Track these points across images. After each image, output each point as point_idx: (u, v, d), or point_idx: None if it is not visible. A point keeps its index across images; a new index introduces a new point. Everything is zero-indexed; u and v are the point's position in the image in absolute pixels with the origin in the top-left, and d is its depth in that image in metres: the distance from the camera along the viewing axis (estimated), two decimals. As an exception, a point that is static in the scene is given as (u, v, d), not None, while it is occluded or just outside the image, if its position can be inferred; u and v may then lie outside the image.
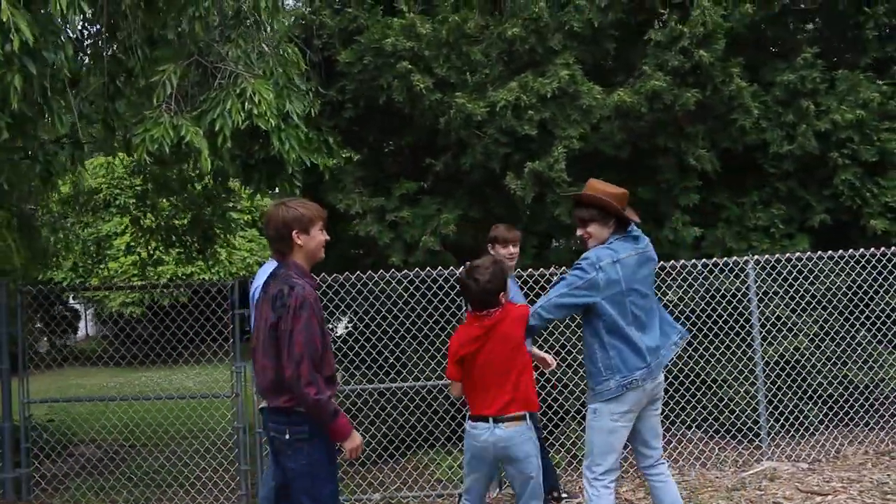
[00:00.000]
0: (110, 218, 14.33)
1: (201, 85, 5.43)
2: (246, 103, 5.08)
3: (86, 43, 4.99)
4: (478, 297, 3.87)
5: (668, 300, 6.85)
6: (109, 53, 5.08)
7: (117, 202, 11.81)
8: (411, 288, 6.48)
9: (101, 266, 13.78)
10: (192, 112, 5.13)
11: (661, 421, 6.77)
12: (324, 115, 6.88)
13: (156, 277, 14.55)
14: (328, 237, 3.60)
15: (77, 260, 11.25)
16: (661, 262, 6.38)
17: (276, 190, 6.00)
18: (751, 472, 6.26)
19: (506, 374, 3.86)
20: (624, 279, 3.91)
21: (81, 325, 19.04)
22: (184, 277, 15.01)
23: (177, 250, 9.06)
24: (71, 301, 17.28)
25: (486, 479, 4.09)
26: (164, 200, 8.49)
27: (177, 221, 8.25)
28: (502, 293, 3.90)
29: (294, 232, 3.45)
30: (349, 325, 7.77)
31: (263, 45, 5.75)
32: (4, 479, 6.20)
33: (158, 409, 8.28)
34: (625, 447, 4.10)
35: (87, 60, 5.13)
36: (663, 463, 4.18)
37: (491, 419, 3.85)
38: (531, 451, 3.89)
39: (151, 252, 8.59)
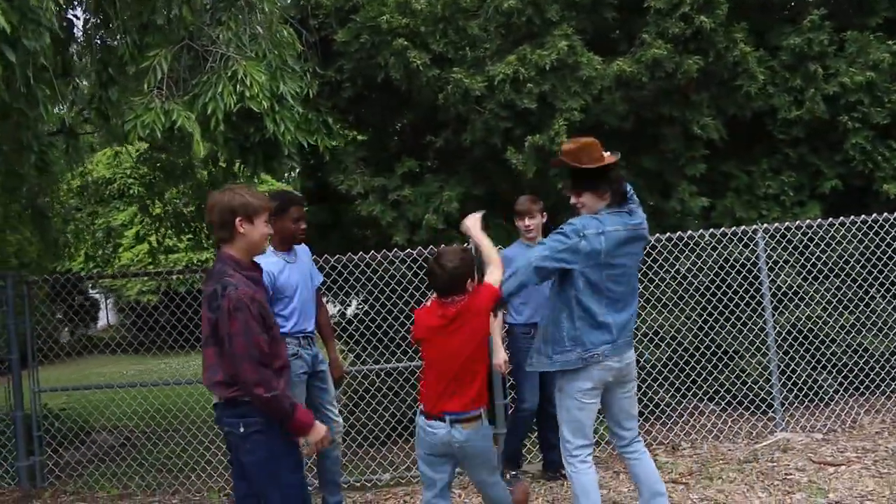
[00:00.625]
0: (125, 208, 14.42)
1: (194, 69, 5.37)
2: (237, 86, 5.02)
3: (76, 31, 4.95)
4: (444, 283, 3.70)
5: (676, 272, 6.76)
6: (100, 41, 5.03)
7: (130, 192, 11.88)
8: (415, 267, 6.43)
9: (114, 256, 13.89)
10: (184, 97, 5.09)
11: (674, 394, 6.78)
12: (322, 95, 6.83)
13: (171, 265, 14.63)
14: (271, 231, 3.44)
15: (89, 250, 11.34)
16: (669, 234, 6.31)
17: (274, 172, 5.95)
18: (764, 443, 6.17)
19: (468, 369, 3.68)
20: (605, 252, 3.74)
21: (102, 314, 19.23)
22: (199, 264, 15.08)
23: (187, 237, 9.09)
24: (91, 291, 17.44)
25: (446, 475, 3.84)
26: (173, 188, 8.50)
27: (185, 209, 8.25)
28: (469, 280, 3.74)
29: (238, 219, 3.25)
30: (358, 308, 7.76)
31: (257, 28, 5.69)
32: (19, 468, 6.27)
33: (178, 394, 8.32)
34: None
35: (76, 48, 5.08)
36: (639, 441, 4.06)
37: (448, 419, 3.66)
38: (488, 447, 3.80)
39: (161, 240, 8.61)
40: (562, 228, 3.79)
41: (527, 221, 5.19)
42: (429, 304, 3.89)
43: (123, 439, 7.92)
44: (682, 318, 6.79)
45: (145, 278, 13.78)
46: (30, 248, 9.54)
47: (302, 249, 4.82)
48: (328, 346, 5.05)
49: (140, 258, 14.50)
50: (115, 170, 15.06)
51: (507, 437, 5.58)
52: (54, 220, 8.90)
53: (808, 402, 6.75)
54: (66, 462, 6.77)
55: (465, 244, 4.12)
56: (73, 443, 7.20)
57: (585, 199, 3.96)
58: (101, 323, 19.29)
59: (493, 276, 3.79)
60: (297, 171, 8.82)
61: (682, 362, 6.66)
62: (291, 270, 4.65)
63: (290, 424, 3.21)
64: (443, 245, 6.29)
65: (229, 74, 5.08)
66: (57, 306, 15.39)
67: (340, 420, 4.82)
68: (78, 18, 5.26)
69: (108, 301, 18.61)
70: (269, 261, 4.49)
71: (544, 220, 5.29)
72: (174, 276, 11.70)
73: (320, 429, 3.31)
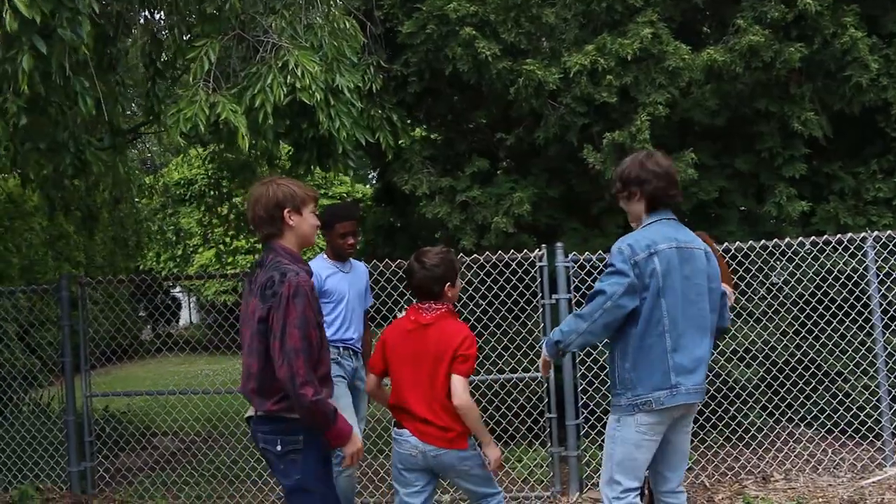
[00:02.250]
0: (192, 210, 14.44)
1: (245, 61, 5.09)
2: (288, 77, 4.71)
3: (118, 21, 4.71)
4: (421, 282, 3.48)
5: (771, 283, 6.10)
6: (147, 33, 4.78)
7: (204, 194, 11.83)
8: (481, 273, 5.97)
9: (192, 255, 13.96)
10: (233, 89, 4.79)
11: (766, 419, 6.11)
12: (387, 90, 6.45)
13: (248, 265, 14.60)
14: (319, 223, 3.30)
15: (160, 251, 11.37)
16: (763, 241, 5.68)
17: (329, 171, 5.61)
18: (871, 479, 5.46)
19: (430, 383, 3.40)
20: (662, 275, 3.24)
21: (184, 313, 19.49)
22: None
23: (254, 239, 8.90)
24: (173, 290, 17.67)
25: (423, 494, 3.53)
26: (239, 187, 8.30)
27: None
28: (448, 285, 3.50)
29: (286, 211, 3.11)
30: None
31: (315, 17, 5.37)
32: (71, 473, 6.12)
33: (240, 399, 8.10)
34: None
35: (123, 42, 4.84)
36: (682, 491, 3.52)
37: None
38: (467, 456, 3.48)
39: (225, 241, 8.44)
40: (611, 262, 3.30)
41: None
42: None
43: (188, 443, 7.73)
44: (778, 334, 6.11)
45: (223, 279, 13.76)
46: (101, 248, 9.56)
47: (361, 267, 4.73)
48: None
49: (213, 262, 14.56)
50: (196, 171, 15.12)
51: None
52: (128, 221, 8.86)
53: (924, 433, 5.97)
54: (119, 468, 6.59)
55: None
56: (134, 448, 7.03)
57: (624, 206, 3.54)
58: (183, 321, 19.56)
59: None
60: (377, 170, 8.53)
61: (776, 383, 5.99)
62: (342, 278, 4.50)
63: (330, 432, 3.07)
64: (512, 251, 5.84)
65: (280, 65, 4.77)
66: (141, 305, 15.66)
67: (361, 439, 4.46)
68: (126, 10, 4.95)
69: (190, 300, 18.84)
70: (319, 264, 4.39)
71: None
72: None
73: (358, 441, 3.21)
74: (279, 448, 3.07)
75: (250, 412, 3.21)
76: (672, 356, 3.24)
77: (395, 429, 3.54)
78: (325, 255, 4.56)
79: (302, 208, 3.16)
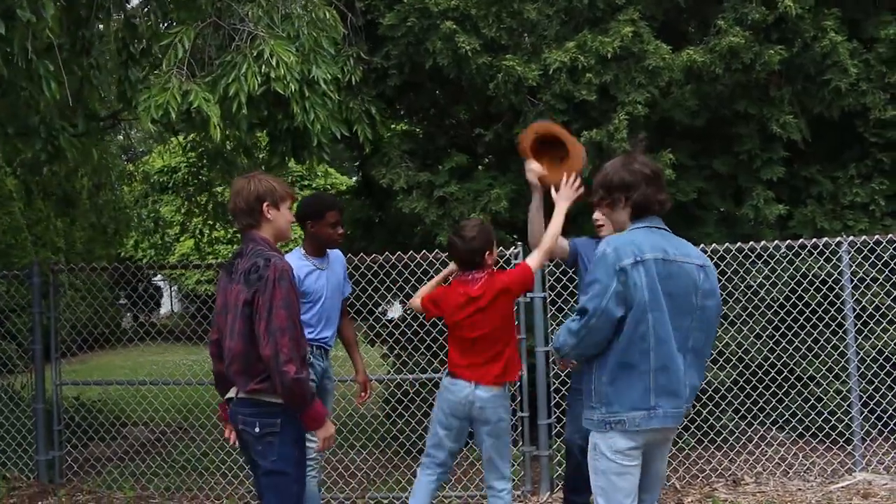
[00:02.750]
0: (173, 199, 14.31)
1: (222, 50, 5.02)
2: (263, 66, 4.64)
3: (92, 4, 4.63)
4: (464, 254, 3.88)
5: (746, 286, 6.10)
6: (121, 17, 4.71)
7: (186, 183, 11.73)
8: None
9: (162, 245, 13.84)
10: (207, 77, 4.72)
11: (738, 422, 6.11)
12: (367, 83, 6.39)
13: (228, 255, 14.52)
14: (294, 220, 3.50)
15: (138, 239, 11.28)
16: (740, 244, 5.67)
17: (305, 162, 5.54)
18: (840, 484, 5.47)
19: (493, 346, 3.87)
20: (648, 288, 2.92)
21: (165, 302, 19.38)
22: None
23: (233, 230, 8.82)
24: (155, 280, 17.56)
25: (455, 436, 4.00)
26: (216, 177, 8.23)
27: (224, 198, 7.98)
28: (488, 252, 3.89)
29: (265, 205, 3.29)
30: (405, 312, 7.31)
31: (295, 7, 5.30)
32: (38, 462, 6.05)
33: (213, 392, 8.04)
34: None
35: (98, 26, 4.77)
36: None
37: (473, 382, 3.87)
38: (504, 416, 3.95)
39: (202, 231, 8.36)
40: (593, 274, 3.01)
41: (596, 214, 4.30)
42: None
43: (158, 434, 7.67)
44: (752, 337, 6.12)
45: (203, 269, 13.67)
46: (79, 234, 9.47)
47: (336, 256, 4.54)
48: (354, 356, 4.75)
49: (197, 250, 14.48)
50: (179, 159, 15.00)
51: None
52: (106, 208, 8.76)
53: (895, 438, 5.99)
54: (87, 458, 6.52)
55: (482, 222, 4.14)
56: (103, 438, 6.96)
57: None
58: (164, 310, 19.44)
59: (533, 258, 3.97)
60: (357, 163, 8.46)
61: (748, 386, 5.99)
62: (320, 276, 4.36)
63: (306, 413, 3.19)
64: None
65: (255, 54, 4.70)
66: (123, 293, 15.54)
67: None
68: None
69: (171, 289, 18.73)
70: (298, 263, 4.23)
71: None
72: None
73: (331, 427, 3.31)
74: (257, 430, 3.19)
75: (231, 393, 3.34)
76: (655, 376, 2.94)
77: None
78: (303, 251, 4.35)
79: (280, 204, 3.34)
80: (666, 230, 3.11)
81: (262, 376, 3.16)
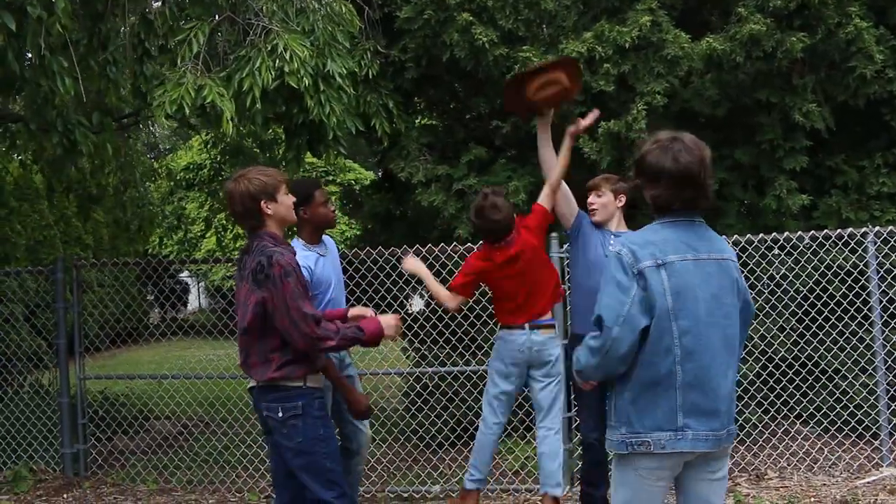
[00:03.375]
0: (196, 196, 14.40)
1: (237, 45, 5.04)
2: (277, 61, 4.65)
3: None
4: (493, 234, 4.21)
5: (769, 277, 6.00)
6: (137, 12, 4.73)
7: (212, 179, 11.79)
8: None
9: (187, 241, 13.93)
10: (221, 72, 4.74)
11: (762, 416, 6.02)
12: (385, 76, 6.38)
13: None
14: (294, 199, 3.49)
15: (162, 235, 11.39)
16: (762, 235, 5.58)
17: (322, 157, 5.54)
18: (866, 480, 5.37)
19: (541, 290, 4.32)
20: (673, 294, 2.60)
21: (192, 298, 19.55)
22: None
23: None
24: (180, 276, 17.72)
25: (513, 394, 4.44)
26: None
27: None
28: (513, 218, 4.23)
29: (262, 203, 3.31)
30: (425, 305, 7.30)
31: (311, 1, 5.30)
32: (64, 454, 6.14)
33: (240, 383, 8.06)
34: None
35: (113, 21, 4.80)
36: None
37: (527, 326, 4.26)
38: (559, 355, 4.38)
39: (227, 226, 8.41)
40: (612, 273, 2.69)
41: (590, 198, 4.47)
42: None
43: (180, 428, 7.73)
44: (775, 329, 6.02)
45: (229, 264, 13.80)
46: (105, 231, 9.57)
47: (330, 241, 4.48)
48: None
49: (226, 244, 14.57)
50: (205, 155, 15.12)
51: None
52: (129, 205, 8.84)
53: (923, 432, 5.87)
54: (112, 451, 6.60)
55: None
56: (127, 431, 7.03)
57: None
58: (192, 306, 19.62)
59: (543, 197, 4.40)
60: (377, 157, 8.46)
61: (772, 380, 5.90)
62: (325, 263, 4.28)
63: (366, 342, 3.40)
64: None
65: (269, 49, 4.71)
66: (147, 289, 15.70)
67: (367, 430, 4.37)
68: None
69: (199, 285, 18.90)
70: (303, 254, 4.14)
71: (620, 204, 4.44)
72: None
73: (388, 321, 3.47)
74: (280, 414, 3.29)
75: (252, 383, 3.42)
76: (684, 393, 2.61)
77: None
78: (301, 241, 4.22)
79: (276, 195, 3.34)
80: (697, 222, 2.73)
81: (279, 364, 3.27)
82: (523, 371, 4.37)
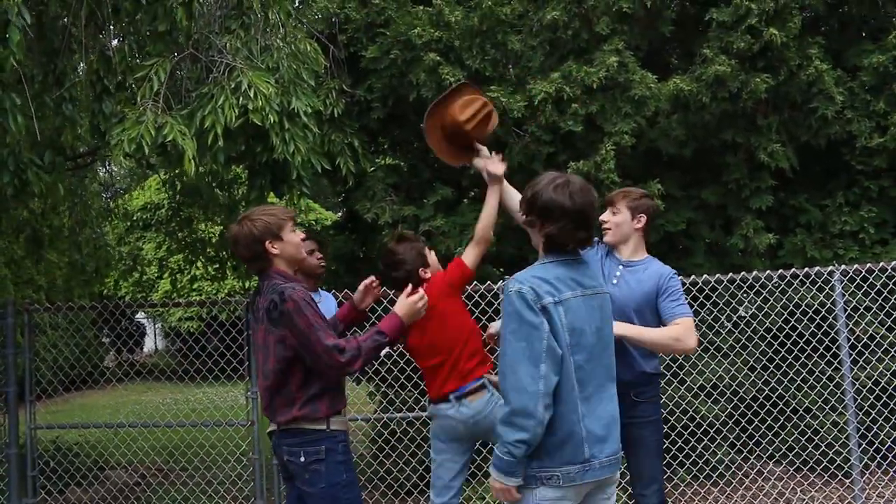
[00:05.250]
0: (154, 236, 14.10)
1: (199, 82, 4.91)
2: (240, 98, 4.54)
3: (65, 35, 4.52)
4: (400, 283, 3.63)
5: (739, 316, 5.99)
6: (95, 49, 4.59)
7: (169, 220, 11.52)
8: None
9: (143, 283, 13.59)
10: (183, 110, 4.61)
11: (734, 456, 5.96)
12: (350, 115, 6.30)
13: (214, 292, 14.29)
14: (303, 235, 3.46)
15: (117, 277, 11.08)
16: (731, 274, 5.56)
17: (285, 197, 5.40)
18: (839, 519, 5.32)
19: (452, 349, 3.57)
20: (569, 331, 2.65)
21: (149, 340, 19.08)
22: (242, 292, 14.73)
23: (213, 267, 8.63)
24: (137, 317, 17.29)
25: (459, 466, 3.67)
26: (199, 212, 8.06)
27: (206, 235, 7.80)
28: (421, 269, 3.66)
29: (267, 243, 3.27)
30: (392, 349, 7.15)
31: (275, 40, 5.21)
32: (11, 510, 5.82)
33: (200, 431, 7.80)
34: None
35: (70, 58, 4.65)
36: None
37: (452, 397, 3.56)
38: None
39: (183, 267, 8.18)
40: (510, 324, 2.67)
41: (603, 216, 3.80)
42: None
43: (137, 478, 7.42)
44: (745, 368, 5.99)
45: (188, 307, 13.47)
46: (59, 273, 9.23)
47: (329, 298, 4.60)
48: None
49: (182, 286, 14.23)
50: (162, 195, 14.85)
51: None
52: (84, 246, 8.57)
53: (894, 470, 5.85)
54: (71, 502, 6.28)
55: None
56: (80, 483, 6.71)
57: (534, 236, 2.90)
58: (148, 348, 19.13)
59: (468, 254, 3.78)
60: (341, 197, 8.35)
61: (743, 419, 5.86)
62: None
63: (392, 338, 3.34)
64: (475, 282, 5.67)
65: (232, 86, 4.60)
66: (104, 332, 15.27)
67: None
68: (74, 26, 4.76)
69: (155, 326, 18.44)
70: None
71: (638, 225, 3.74)
72: (217, 305, 11.22)
73: (412, 302, 3.39)
74: (302, 459, 3.22)
75: (272, 427, 3.35)
76: (584, 423, 2.66)
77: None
78: None
79: (281, 233, 3.30)
80: (577, 259, 2.78)
81: (303, 401, 3.22)
82: (467, 444, 3.68)
